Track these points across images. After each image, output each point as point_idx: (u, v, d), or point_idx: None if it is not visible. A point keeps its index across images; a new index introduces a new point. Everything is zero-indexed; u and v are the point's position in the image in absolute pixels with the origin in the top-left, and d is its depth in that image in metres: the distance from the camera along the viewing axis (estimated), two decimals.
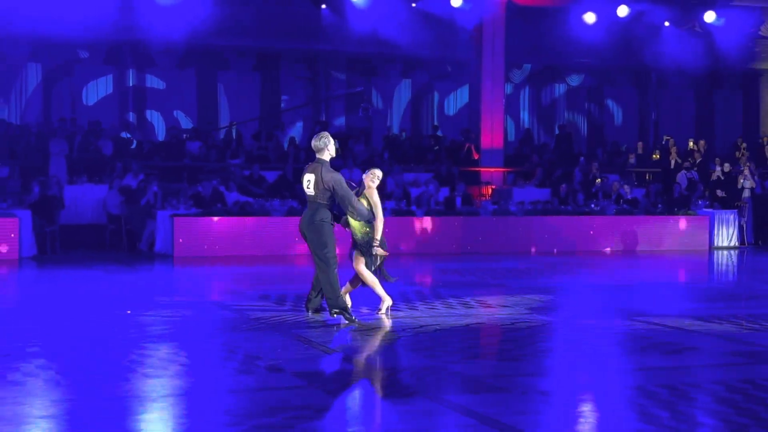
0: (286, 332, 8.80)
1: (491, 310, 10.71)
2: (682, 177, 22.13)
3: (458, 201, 19.80)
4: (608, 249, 18.61)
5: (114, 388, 6.55)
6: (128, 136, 22.74)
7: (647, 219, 19.17)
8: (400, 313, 10.02)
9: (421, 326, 9.22)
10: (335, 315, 9.51)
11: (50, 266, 15.02)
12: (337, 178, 9.41)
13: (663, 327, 9.28)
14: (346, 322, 9.42)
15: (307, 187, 9.54)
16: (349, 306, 9.94)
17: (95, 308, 10.44)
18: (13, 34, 21.73)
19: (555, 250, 18.29)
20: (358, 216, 9.54)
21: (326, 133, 9.72)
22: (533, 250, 18.34)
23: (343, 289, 9.92)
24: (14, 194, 17.76)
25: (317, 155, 9.55)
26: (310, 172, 9.52)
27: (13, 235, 15.90)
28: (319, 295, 9.85)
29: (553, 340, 8.83)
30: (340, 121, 25.87)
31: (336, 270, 9.48)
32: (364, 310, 10.08)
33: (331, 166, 9.56)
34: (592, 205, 19.43)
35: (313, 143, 9.60)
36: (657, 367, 7.39)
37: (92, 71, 25.18)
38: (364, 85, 27.13)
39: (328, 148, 9.51)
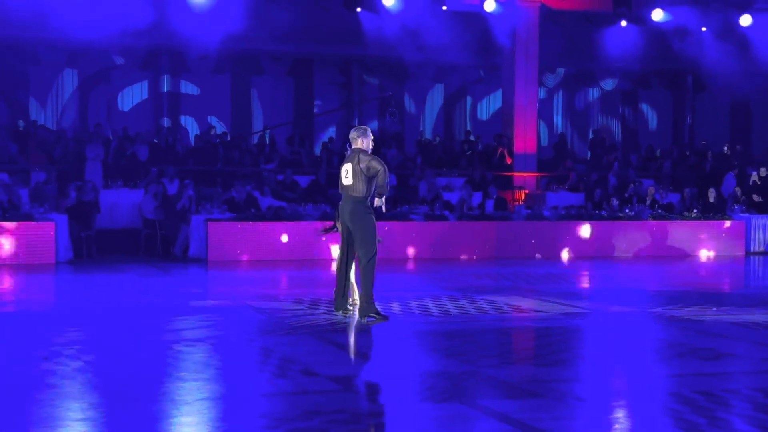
0: (320, 336, 8.81)
1: (525, 314, 10.66)
2: (729, 178, 21.90)
3: (491, 205, 19.75)
4: (640, 254, 18.46)
5: (149, 392, 6.59)
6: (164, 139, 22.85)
7: (682, 224, 19.00)
8: (433, 318, 10.00)
9: (455, 330, 9.20)
10: (366, 321, 9.61)
11: (86, 270, 15.16)
12: (374, 161, 9.56)
13: (699, 333, 9.18)
14: (375, 319, 9.59)
15: (345, 177, 9.70)
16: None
17: (131, 312, 10.52)
18: (50, 39, 21.98)
19: (588, 255, 18.18)
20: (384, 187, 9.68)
21: (365, 127, 9.97)
22: (567, 254, 18.24)
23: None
24: (51, 199, 17.93)
25: (353, 145, 9.72)
26: (347, 162, 9.71)
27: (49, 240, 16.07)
28: (345, 295, 10.01)
29: (588, 345, 8.77)
30: (372, 125, 25.89)
31: (375, 267, 9.62)
32: (395, 307, 10.09)
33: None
34: (627, 210, 19.30)
35: (350, 133, 9.82)
36: (694, 374, 7.31)
37: (128, 77, 25.41)
38: (397, 90, 27.14)
39: (362, 138, 9.69)
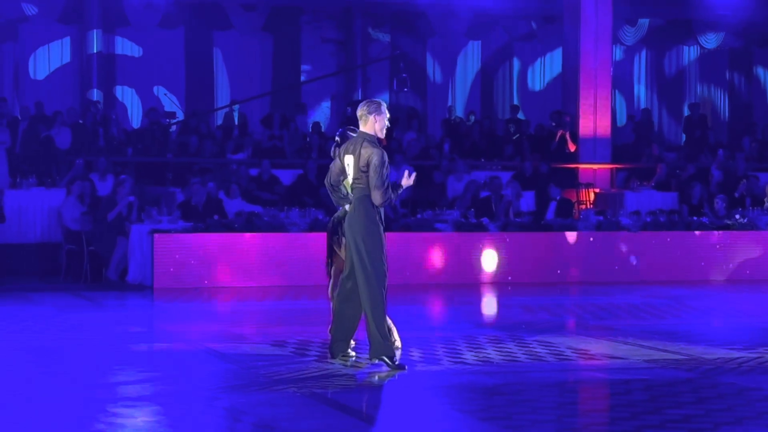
0: (309, 393, 8.82)
1: (595, 362, 10.64)
2: None
3: (549, 210, 19.73)
4: (756, 276, 18.42)
5: None
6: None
7: None
8: (467, 367, 10.00)
9: (498, 385, 9.20)
10: (376, 361, 9.65)
11: None
12: (375, 158, 9.62)
13: None
14: (388, 371, 9.54)
15: (348, 173, 9.85)
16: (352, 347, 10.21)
17: (49, 360, 10.52)
18: None
19: (683, 278, 18.14)
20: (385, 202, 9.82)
21: (380, 101, 10.05)
22: (654, 278, 18.19)
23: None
24: None
25: (361, 126, 9.86)
26: (349, 153, 9.81)
27: None
28: (347, 336, 10.09)
29: (684, 406, 8.75)
30: (383, 98, 25.91)
31: (385, 291, 9.67)
32: (414, 353, 10.08)
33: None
34: (737, 216, 19.25)
35: (359, 109, 9.93)
36: None
37: (43, 33, 25.43)
38: (417, 49, 27.11)
39: (375, 116, 9.79)
